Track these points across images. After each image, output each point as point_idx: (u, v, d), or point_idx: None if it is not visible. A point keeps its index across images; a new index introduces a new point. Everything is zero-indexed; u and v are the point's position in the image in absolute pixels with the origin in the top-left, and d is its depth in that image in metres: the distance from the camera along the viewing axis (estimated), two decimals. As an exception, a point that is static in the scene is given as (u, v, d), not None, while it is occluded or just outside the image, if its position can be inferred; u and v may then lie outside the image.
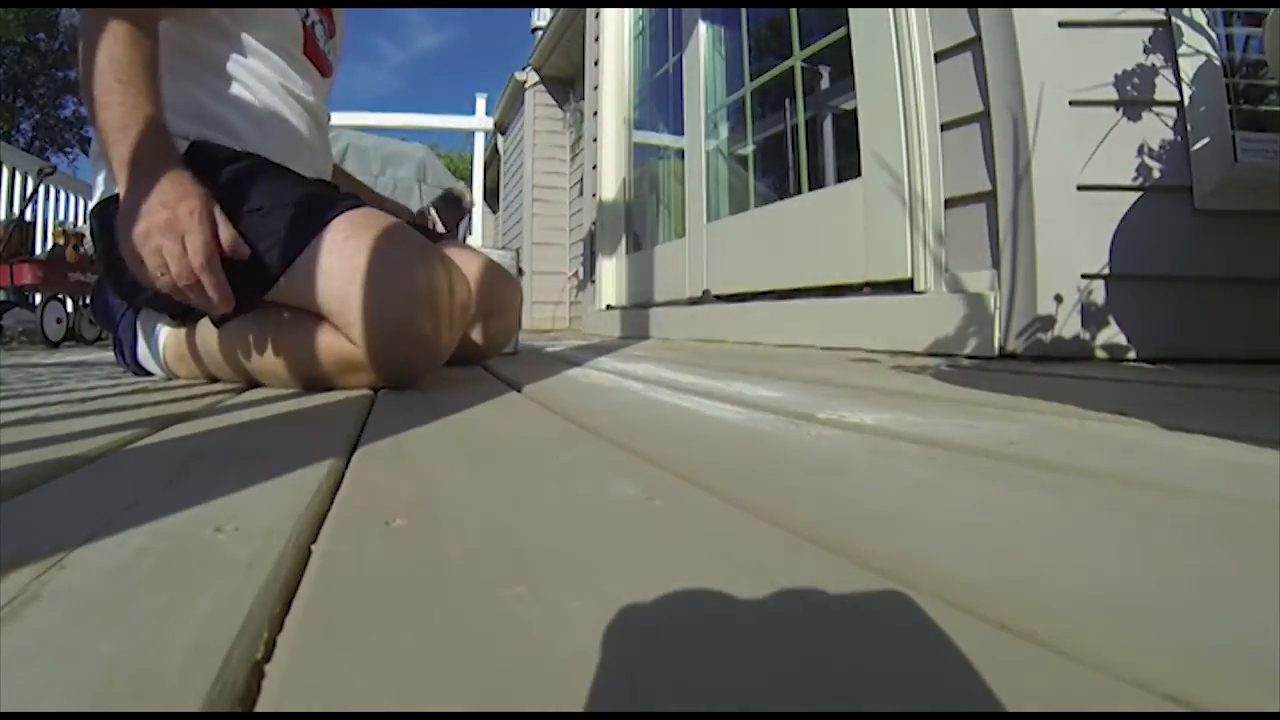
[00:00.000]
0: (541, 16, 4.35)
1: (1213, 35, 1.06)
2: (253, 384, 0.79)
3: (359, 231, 0.71)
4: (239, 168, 0.77)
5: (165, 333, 0.87)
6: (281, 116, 0.87)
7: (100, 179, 0.81)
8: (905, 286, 1.26)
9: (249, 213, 0.74)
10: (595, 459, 0.37)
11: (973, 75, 1.15)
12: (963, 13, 1.16)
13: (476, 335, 1.02)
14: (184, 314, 0.82)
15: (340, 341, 0.71)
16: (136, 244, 0.64)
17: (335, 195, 0.80)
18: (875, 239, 1.34)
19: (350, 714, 0.13)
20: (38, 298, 2.61)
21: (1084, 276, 1.04)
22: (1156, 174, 1.05)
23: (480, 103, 5.41)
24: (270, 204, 0.74)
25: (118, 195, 0.75)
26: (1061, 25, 1.06)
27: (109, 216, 0.78)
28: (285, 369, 0.74)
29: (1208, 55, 1.05)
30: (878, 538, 0.23)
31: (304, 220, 0.73)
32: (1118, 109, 1.06)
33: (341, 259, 0.70)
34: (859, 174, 1.39)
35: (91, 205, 0.83)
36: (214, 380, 0.84)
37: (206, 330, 0.80)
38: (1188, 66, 1.05)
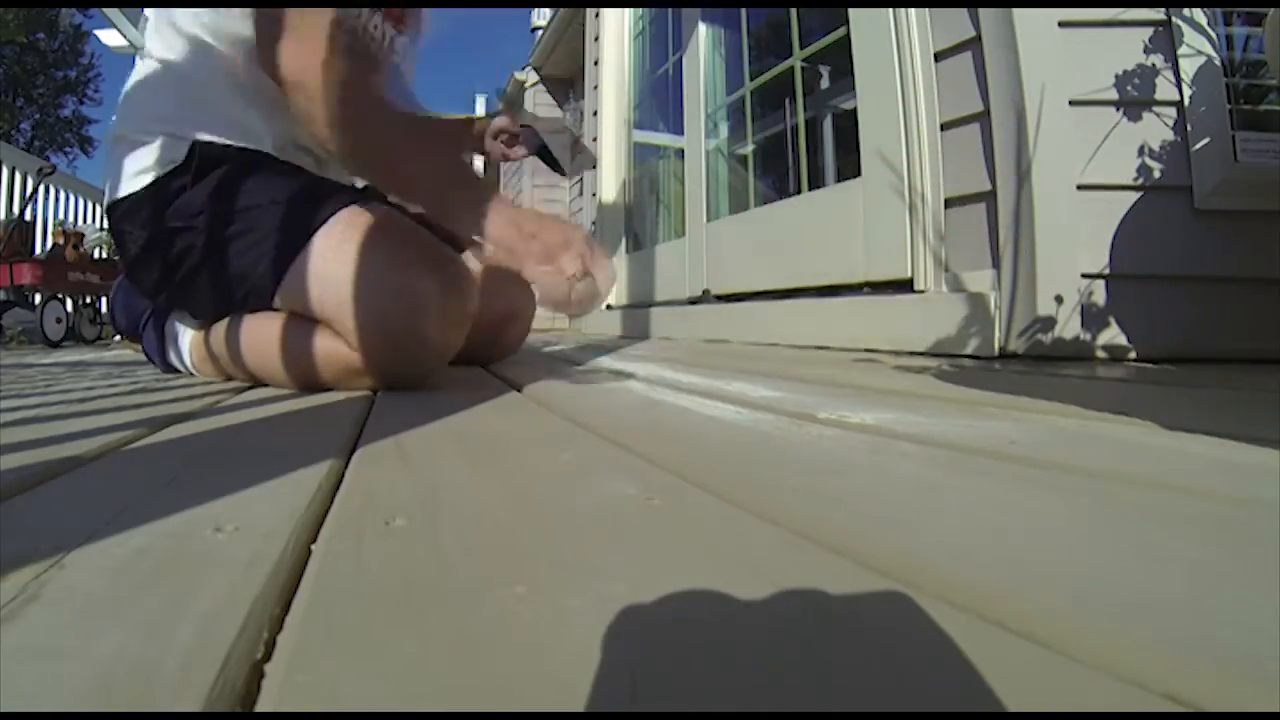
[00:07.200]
0: (541, 16, 4.36)
1: (1213, 35, 1.06)
2: (263, 384, 0.79)
3: (353, 232, 0.69)
4: (236, 166, 0.76)
5: (189, 336, 0.88)
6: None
7: (122, 176, 0.79)
8: (905, 286, 1.26)
9: (240, 212, 0.73)
10: (595, 459, 0.37)
11: (973, 75, 1.15)
12: (963, 12, 1.16)
13: (488, 339, 1.01)
14: (202, 314, 0.83)
15: (339, 347, 0.70)
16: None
17: (332, 190, 0.77)
18: (875, 239, 1.34)
19: (350, 714, 0.13)
20: (37, 298, 2.62)
21: (1084, 276, 1.04)
22: (1157, 174, 1.05)
23: (480, 103, 5.42)
24: (264, 203, 0.73)
25: (135, 195, 0.77)
26: (1061, 25, 1.06)
27: (128, 214, 0.78)
28: (286, 372, 0.74)
29: (1208, 55, 1.05)
30: (878, 537, 0.23)
31: (295, 223, 0.71)
32: (1118, 109, 1.06)
33: (337, 264, 0.68)
34: (859, 174, 1.38)
35: (108, 202, 0.81)
36: (230, 379, 0.85)
37: (219, 333, 0.81)
38: (1188, 66, 1.05)
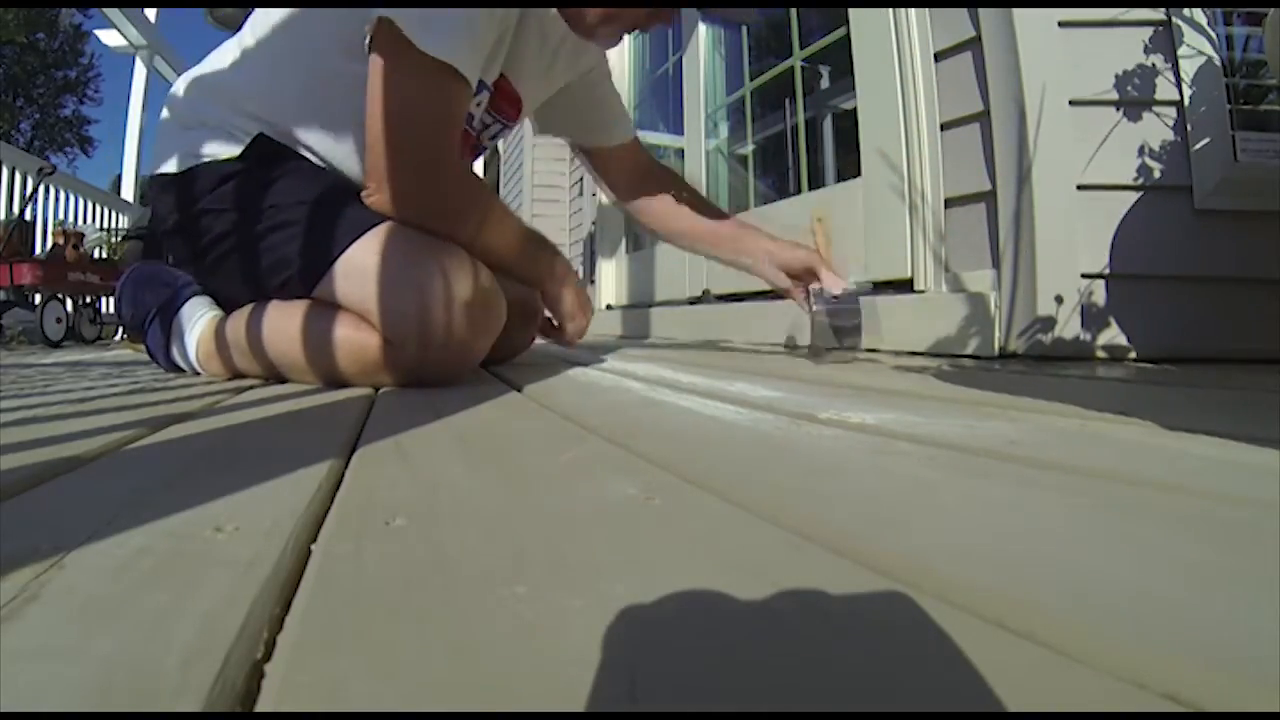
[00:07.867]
0: (541, 16, 4.34)
1: (1213, 35, 1.06)
2: (277, 379, 0.80)
3: (400, 235, 0.73)
4: (297, 164, 0.81)
5: (197, 331, 0.89)
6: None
7: (202, 151, 0.81)
8: (905, 286, 1.26)
9: (293, 205, 0.77)
10: (595, 459, 0.37)
11: (973, 75, 1.15)
12: (963, 12, 1.16)
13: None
14: (227, 296, 0.86)
15: (369, 338, 0.72)
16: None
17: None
18: (875, 238, 1.34)
19: (350, 714, 0.13)
20: (37, 298, 2.62)
21: (1084, 276, 1.04)
22: (1157, 174, 1.05)
23: (480, 102, 5.41)
24: (318, 198, 0.77)
25: (198, 168, 0.80)
26: (1061, 25, 1.06)
27: (188, 183, 0.81)
28: (308, 362, 0.75)
29: (1208, 55, 1.05)
30: (878, 538, 0.23)
31: (346, 220, 0.75)
32: (1118, 109, 1.06)
33: (381, 258, 0.72)
34: (859, 173, 1.38)
35: (163, 170, 0.83)
36: (240, 376, 0.85)
37: (237, 324, 0.82)
38: (1188, 66, 1.05)
